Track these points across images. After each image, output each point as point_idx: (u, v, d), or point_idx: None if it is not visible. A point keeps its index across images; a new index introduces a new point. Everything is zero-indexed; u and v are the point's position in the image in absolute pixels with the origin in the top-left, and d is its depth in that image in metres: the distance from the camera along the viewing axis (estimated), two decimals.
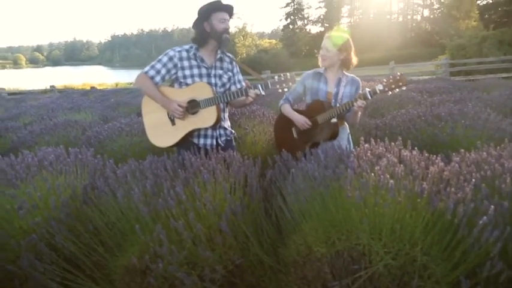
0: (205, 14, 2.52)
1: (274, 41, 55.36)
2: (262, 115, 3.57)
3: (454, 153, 2.13)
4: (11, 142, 3.75)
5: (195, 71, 2.57)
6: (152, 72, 2.53)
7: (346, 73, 2.71)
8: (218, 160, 2.07)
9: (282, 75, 2.43)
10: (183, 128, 2.53)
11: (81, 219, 2.04)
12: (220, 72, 2.64)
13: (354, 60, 2.69)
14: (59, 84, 28.45)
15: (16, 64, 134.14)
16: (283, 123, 2.81)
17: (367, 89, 2.39)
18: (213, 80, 2.60)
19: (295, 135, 2.77)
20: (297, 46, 50.58)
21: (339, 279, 1.71)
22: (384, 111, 4.05)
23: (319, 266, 1.83)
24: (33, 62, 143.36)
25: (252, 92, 2.40)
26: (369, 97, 2.38)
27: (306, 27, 52.64)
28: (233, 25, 50.19)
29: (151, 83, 2.52)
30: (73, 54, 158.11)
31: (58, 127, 3.87)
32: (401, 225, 1.71)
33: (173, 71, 2.56)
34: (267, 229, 2.10)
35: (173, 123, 2.54)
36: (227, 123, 2.76)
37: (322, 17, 51.60)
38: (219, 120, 2.51)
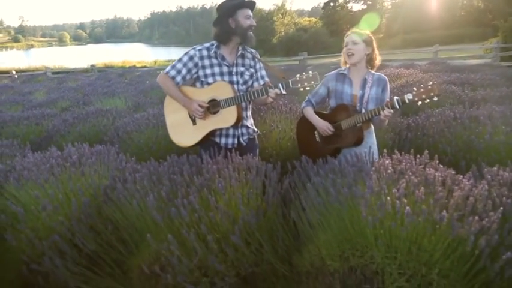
0: (230, 10, 2.45)
1: (313, 19, 53.75)
2: (289, 110, 3.49)
3: (486, 169, 1.98)
4: (46, 130, 3.93)
5: (216, 69, 2.53)
6: (173, 73, 2.52)
7: (372, 71, 2.57)
8: (236, 166, 2.05)
9: (304, 73, 2.34)
10: (203, 127, 2.52)
11: (102, 218, 2.12)
12: (242, 69, 2.58)
13: (379, 58, 2.56)
14: (100, 62, 29.47)
15: (61, 41, 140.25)
16: (306, 125, 2.73)
17: (396, 98, 2.25)
18: (234, 78, 2.55)
19: (317, 139, 2.68)
20: (337, 25, 48.84)
21: None
22: (418, 107, 3.83)
23: (331, 281, 1.80)
24: (77, 40, 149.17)
25: (272, 92, 2.33)
26: (397, 106, 2.24)
27: (348, 5, 50.52)
28: (272, 2, 49.39)
29: (172, 83, 2.52)
30: (114, 31, 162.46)
31: (89, 116, 4.01)
32: (419, 247, 1.63)
33: (194, 71, 2.54)
34: (283, 236, 2.08)
35: (194, 123, 2.54)
36: (249, 122, 2.71)
37: None
38: (239, 120, 2.48)
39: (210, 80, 2.53)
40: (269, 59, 21.46)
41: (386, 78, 2.55)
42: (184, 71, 2.53)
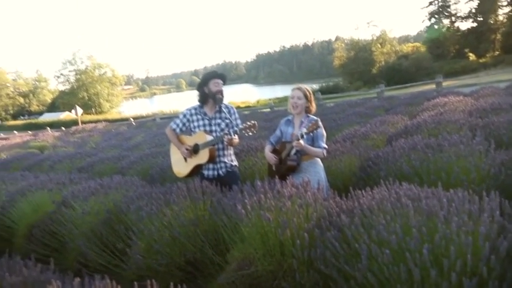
0: (204, 81, 3.62)
1: (417, 44, 51.43)
2: None
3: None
4: (118, 167, 5.62)
5: (200, 122, 3.67)
6: (174, 126, 3.75)
7: (310, 115, 3.41)
8: (190, 190, 3.12)
9: (248, 123, 3.30)
10: (190, 164, 3.65)
11: (119, 220, 3.37)
12: (219, 121, 3.67)
13: (314, 107, 3.41)
14: None
15: (178, 88, 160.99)
16: None
17: (299, 131, 3.08)
18: (213, 128, 3.65)
19: (274, 168, 3.57)
20: (443, 47, 46.20)
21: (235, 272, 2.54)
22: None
23: (233, 266, 2.67)
24: (192, 85, 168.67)
25: (225, 137, 3.35)
26: (299, 137, 3.06)
27: (454, 25, 47.42)
28: (370, 33, 48.76)
29: (173, 133, 3.74)
30: None
31: (147, 157, 5.57)
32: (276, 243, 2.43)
33: (187, 124, 3.73)
34: (223, 237, 3.01)
35: (185, 160, 3.69)
36: (228, 158, 3.72)
37: (474, 10, 44.95)
38: (211, 158, 3.52)
39: (196, 130, 3.68)
40: (353, 93, 21.80)
41: (316, 119, 3.35)
42: (180, 125, 3.74)
